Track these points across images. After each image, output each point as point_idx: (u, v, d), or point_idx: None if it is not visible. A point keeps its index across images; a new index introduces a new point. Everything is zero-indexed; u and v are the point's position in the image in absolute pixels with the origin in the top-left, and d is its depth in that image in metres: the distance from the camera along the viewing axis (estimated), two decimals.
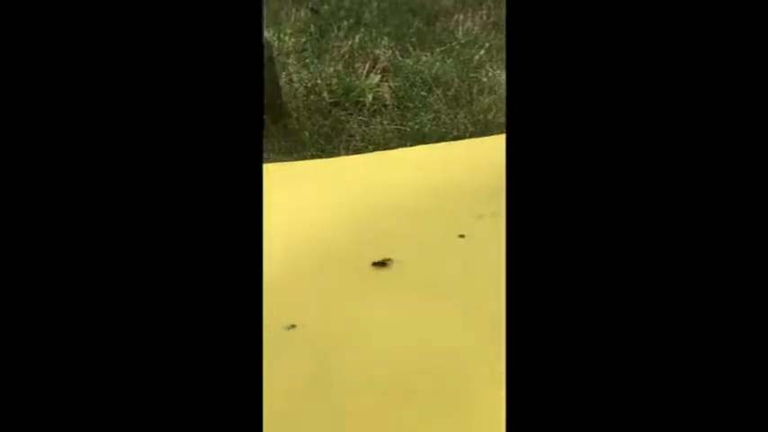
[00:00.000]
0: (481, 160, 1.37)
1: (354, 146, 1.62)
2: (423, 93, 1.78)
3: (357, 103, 1.73)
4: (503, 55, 1.93)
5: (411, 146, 1.57)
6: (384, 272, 1.10)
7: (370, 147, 1.60)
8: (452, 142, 1.57)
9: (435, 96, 1.76)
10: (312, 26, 2.00)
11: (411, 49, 1.95)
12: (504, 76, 1.85)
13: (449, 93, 1.78)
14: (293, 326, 0.98)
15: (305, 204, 1.28)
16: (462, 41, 1.99)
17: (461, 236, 1.17)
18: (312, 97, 1.73)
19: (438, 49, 1.94)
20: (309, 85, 1.77)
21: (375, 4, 2.13)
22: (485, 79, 1.83)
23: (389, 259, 1.12)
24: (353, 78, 1.79)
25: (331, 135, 1.63)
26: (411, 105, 1.73)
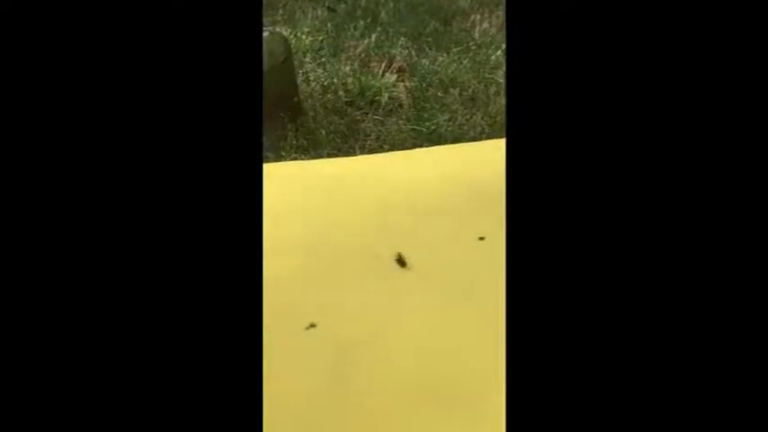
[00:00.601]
0: (499, 161, 1.37)
1: (370, 145, 1.61)
2: (439, 93, 1.77)
3: (373, 102, 1.73)
4: None
5: (427, 146, 1.56)
6: (402, 272, 1.10)
7: (386, 146, 1.60)
8: (470, 143, 1.56)
9: (452, 97, 1.76)
10: (329, 25, 1.99)
11: (427, 49, 1.94)
12: None
13: (465, 93, 1.77)
14: (313, 325, 0.98)
15: (322, 203, 1.27)
16: (479, 42, 1.98)
17: (481, 238, 1.16)
18: (328, 96, 1.73)
19: (455, 50, 1.93)
20: (326, 83, 1.77)
21: (391, 4, 2.12)
22: (501, 80, 1.82)
23: (405, 260, 1.11)
24: (369, 78, 1.78)
25: (347, 134, 1.63)
26: (427, 106, 1.72)
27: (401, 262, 1.11)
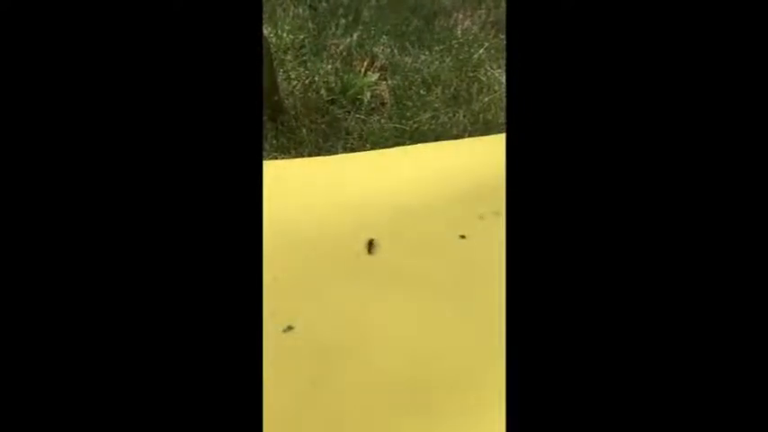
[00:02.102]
0: (481, 159, 1.36)
1: (352, 144, 1.60)
2: (421, 91, 1.76)
3: (355, 101, 1.71)
4: (502, 54, 1.91)
5: (410, 144, 1.55)
6: (383, 272, 1.09)
7: (368, 145, 1.59)
8: (452, 141, 1.56)
9: (434, 95, 1.75)
10: (310, 23, 1.98)
11: (410, 47, 1.93)
12: (503, 76, 1.84)
13: (448, 92, 1.77)
14: (291, 327, 0.96)
15: (302, 202, 1.26)
16: (461, 40, 1.98)
17: (462, 236, 1.15)
18: (310, 95, 1.72)
19: (437, 48, 1.93)
20: (307, 82, 1.75)
21: (374, 3, 2.11)
22: (483, 78, 1.82)
23: (374, 245, 1.11)
24: (351, 76, 1.77)
25: (328, 133, 1.61)
26: (410, 104, 1.71)
27: (370, 247, 1.10)
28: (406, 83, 1.78)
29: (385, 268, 1.08)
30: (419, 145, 1.53)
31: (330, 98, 1.71)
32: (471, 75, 1.83)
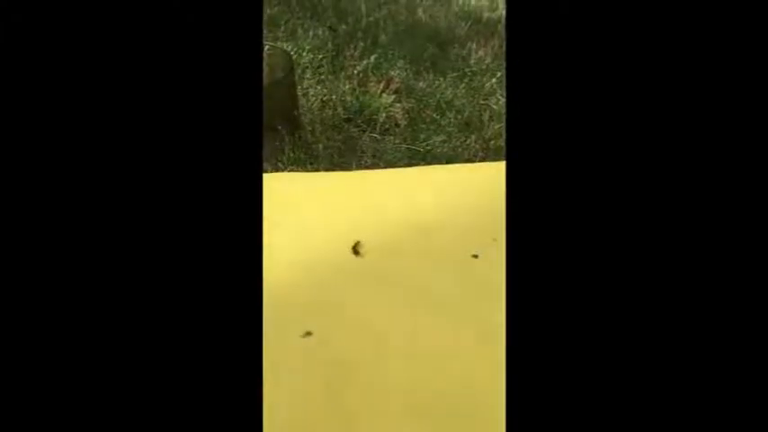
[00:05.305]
0: (494, 184, 1.40)
1: (366, 162, 1.64)
2: (435, 115, 1.81)
3: (370, 121, 1.76)
4: None
5: (422, 165, 1.59)
6: (398, 286, 1.11)
7: (381, 164, 1.63)
8: (465, 164, 1.60)
9: (447, 120, 1.79)
10: (329, 44, 2.03)
11: (425, 72, 1.99)
12: None
13: (460, 117, 1.81)
14: (309, 333, 0.99)
15: (318, 215, 1.28)
16: (474, 69, 2.03)
17: (475, 256, 1.18)
18: (327, 111, 1.76)
19: (451, 75, 1.98)
20: (324, 99, 1.80)
21: (391, 28, 2.17)
22: (495, 107, 1.87)
23: (359, 249, 1.13)
24: (367, 97, 1.81)
25: (343, 150, 1.65)
26: (423, 127, 1.76)
27: (356, 251, 1.13)
28: (421, 106, 1.83)
29: (400, 281, 1.11)
30: (434, 166, 1.57)
31: (346, 117, 1.75)
32: (483, 102, 1.88)
